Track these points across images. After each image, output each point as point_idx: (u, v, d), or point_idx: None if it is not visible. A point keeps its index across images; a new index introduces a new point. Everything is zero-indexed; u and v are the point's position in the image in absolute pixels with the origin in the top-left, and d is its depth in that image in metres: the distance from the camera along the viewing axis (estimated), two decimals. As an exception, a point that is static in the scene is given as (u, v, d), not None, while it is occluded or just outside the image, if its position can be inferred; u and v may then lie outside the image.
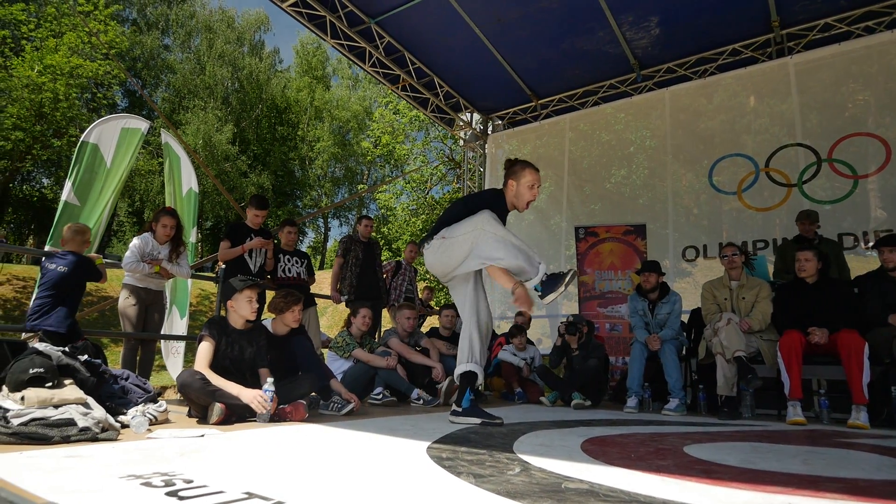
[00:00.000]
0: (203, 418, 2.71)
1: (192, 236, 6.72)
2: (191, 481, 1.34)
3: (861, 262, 5.62)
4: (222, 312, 4.63)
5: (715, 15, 6.25)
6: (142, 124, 6.17)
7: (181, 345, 6.83)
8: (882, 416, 3.46)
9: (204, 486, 1.29)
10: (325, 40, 6.57)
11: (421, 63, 7.40)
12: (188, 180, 6.99)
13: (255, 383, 2.99)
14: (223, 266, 4.64)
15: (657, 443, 2.36)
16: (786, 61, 6.39)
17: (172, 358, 6.64)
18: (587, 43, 6.87)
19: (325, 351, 4.87)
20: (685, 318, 4.93)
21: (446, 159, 18.17)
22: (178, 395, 2.97)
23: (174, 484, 1.31)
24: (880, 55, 5.96)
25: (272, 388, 2.70)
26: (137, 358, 4.06)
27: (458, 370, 3.00)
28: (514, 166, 2.99)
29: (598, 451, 2.08)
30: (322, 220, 32.82)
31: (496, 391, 5.50)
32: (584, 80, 7.73)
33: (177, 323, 6.38)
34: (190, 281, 6.69)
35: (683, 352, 4.50)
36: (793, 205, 6.03)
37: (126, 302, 4.02)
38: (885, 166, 5.74)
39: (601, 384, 4.88)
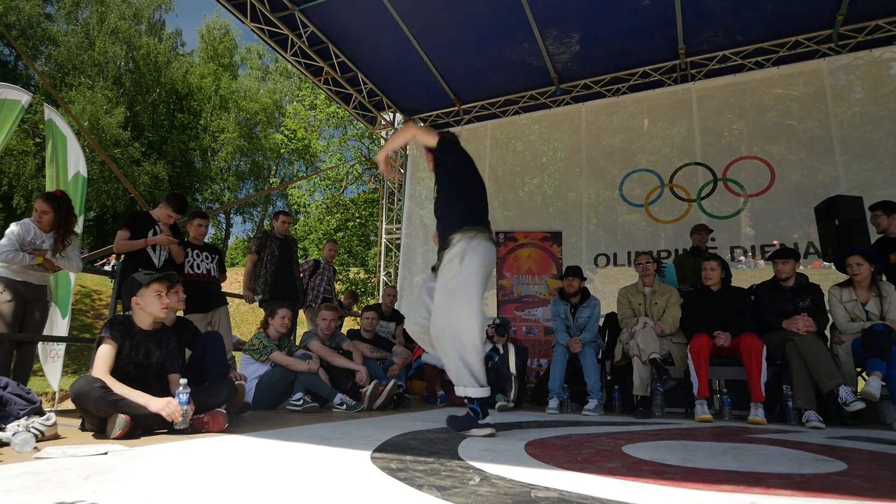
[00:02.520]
0: (100, 431, 2.36)
1: (78, 226, 5.99)
2: (111, 510, 1.13)
3: (737, 274, 6.21)
4: (118, 312, 4.15)
5: (630, 38, 6.64)
6: (22, 96, 5.40)
7: (61, 347, 6.05)
8: (775, 413, 3.80)
9: (132, 516, 1.09)
10: (244, 23, 6.16)
11: (345, 57, 7.18)
12: (75, 163, 6.22)
13: (163, 391, 2.67)
14: (117, 260, 4.15)
15: (594, 444, 2.39)
16: (689, 86, 6.94)
17: (51, 362, 5.86)
18: (512, 53, 7.02)
19: (238, 354, 4.52)
20: (600, 321, 5.15)
21: (363, 158, 17.84)
22: (53, 405, 2.58)
23: (91, 514, 1.09)
24: (770, 86, 6.68)
25: (188, 392, 2.42)
26: (12, 363, 3.50)
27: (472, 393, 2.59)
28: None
29: (544, 454, 2.07)
30: (223, 216, 30.92)
31: (417, 394, 5.41)
32: (506, 89, 7.90)
33: (57, 323, 5.63)
34: (74, 276, 5.96)
35: (599, 354, 4.68)
36: (692, 219, 6.54)
37: (0, 297, 3.45)
38: (769, 188, 6.39)
39: (522, 386, 4.96)
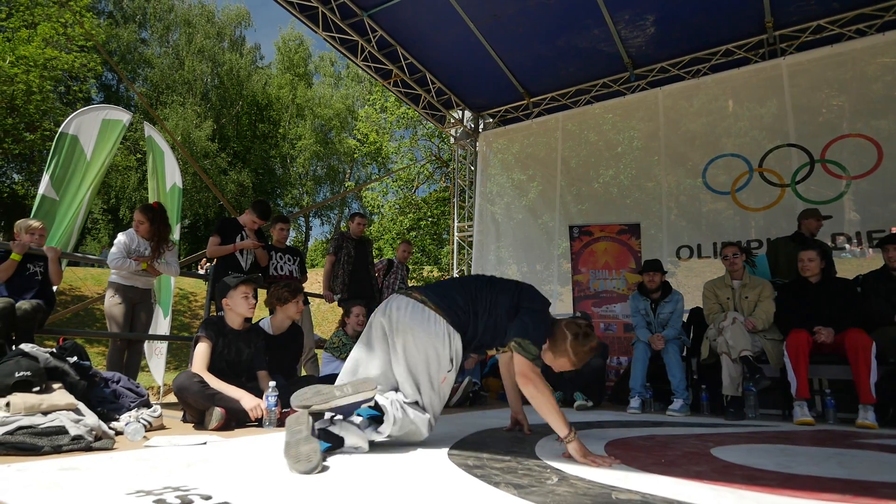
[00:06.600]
0: (199, 423, 2.55)
1: (175, 233, 6.49)
2: (209, 497, 1.21)
3: (841, 263, 5.64)
4: (212, 312, 4.46)
5: (710, 14, 6.23)
6: (123, 116, 5.93)
7: (164, 345, 6.60)
8: (888, 416, 3.44)
9: (227, 504, 1.16)
10: (316, 32, 6.39)
11: (413, 58, 7.27)
12: (172, 175, 6.76)
13: (253, 387, 2.84)
14: (210, 264, 4.47)
15: (680, 445, 2.28)
16: (779, 62, 6.41)
17: (155, 358, 6.41)
18: (582, 40, 6.81)
19: (319, 352, 4.71)
20: (684, 317, 4.88)
21: (434, 157, 18.06)
22: (158, 398, 2.80)
23: (191, 501, 1.17)
24: (874, 56, 6.02)
25: (276, 394, 2.55)
26: (124, 360, 3.86)
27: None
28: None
29: (625, 455, 1.99)
30: (303, 219, 32.43)
31: (493, 392, 5.40)
32: (577, 79, 7.68)
33: (160, 322, 6.15)
34: (173, 279, 6.47)
35: (684, 352, 4.45)
36: (786, 205, 6.06)
37: (112, 301, 3.82)
38: (876, 168, 5.79)
39: (601, 384, 4.82)
